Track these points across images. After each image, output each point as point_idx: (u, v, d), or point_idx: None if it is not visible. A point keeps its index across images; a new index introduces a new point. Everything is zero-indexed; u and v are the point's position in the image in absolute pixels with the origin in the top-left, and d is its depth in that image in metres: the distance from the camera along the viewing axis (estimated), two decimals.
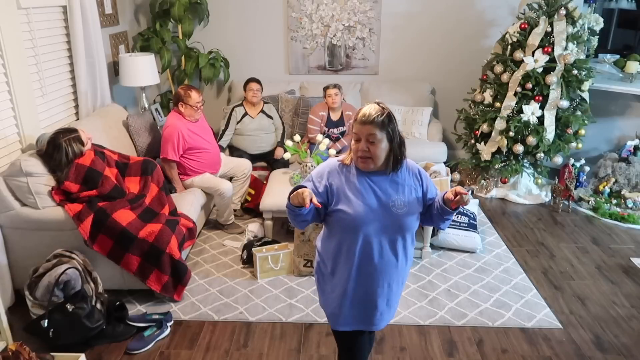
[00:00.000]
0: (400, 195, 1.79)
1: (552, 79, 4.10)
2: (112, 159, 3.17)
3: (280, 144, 4.51)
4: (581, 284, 3.25)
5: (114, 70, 4.42)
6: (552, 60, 4.13)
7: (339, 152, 4.38)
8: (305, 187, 1.71)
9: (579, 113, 4.30)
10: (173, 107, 3.73)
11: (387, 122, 1.71)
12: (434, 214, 1.86)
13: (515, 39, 4.28)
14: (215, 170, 3.88)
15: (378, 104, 1.74)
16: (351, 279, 1.83)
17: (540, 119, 4.22)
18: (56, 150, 2.86)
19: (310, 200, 1.63)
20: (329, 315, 1.96)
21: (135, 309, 2.94)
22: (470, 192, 1.96)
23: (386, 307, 1.91)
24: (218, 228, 3.92)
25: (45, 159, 2.90)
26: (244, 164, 4.07)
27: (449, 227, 3.51)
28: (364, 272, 1.82)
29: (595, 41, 4.51)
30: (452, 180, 4.73)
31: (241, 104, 4.40)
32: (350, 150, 1.80)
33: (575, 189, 4.33)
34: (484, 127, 4.39)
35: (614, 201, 4.29)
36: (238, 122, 4.36)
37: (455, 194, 1.73)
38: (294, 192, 1.68)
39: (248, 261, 3.36)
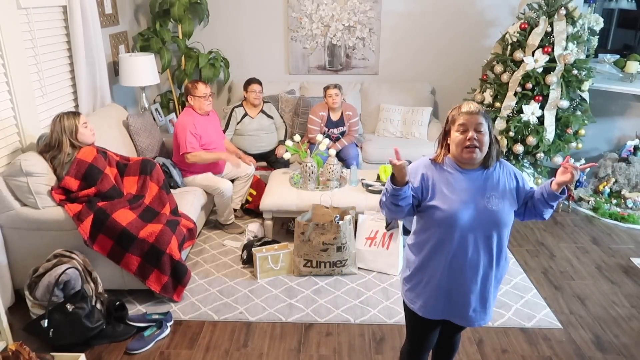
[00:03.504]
0: (494, 191, 1.80)
1: (552, 79, 4.09)
2: (113, 159, 3.18)
3: (283, 142, 4.51)
4: (581, 284, 3.25)
5: (114, 70, 4.42)
6: (552, 60, 4.13)
7: (338, 152, 4.38)
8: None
9: (579, 113, 4.30)
10: (186, 102, 3.82)
11: (487, 116, 1.79)
12: (537, 201, 1.84)
13: (515, 39, 4.28)
14: (218, 171, 3.90)
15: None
16: (444, 273, 1.83)
17: (540, 119, 4.22)
18: (52, 124, 2.93)
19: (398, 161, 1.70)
20: (420, 306, 1.93)
21: (135, 309, 2.94)
22: None
23: (479, 305, 1.87)
24: (218, 228, 3.92)
25: (45, 150, 2.93)
26: (247, 165, 4.09)
27: None
28: (455, 267, 1.82)
29: (595, 41, 4.51)
30: None
31: (241, 105, 4.40)
32: (442, 148, 1.89)
33: (575, 189, 4.33)
34: None
35: (614, 201, 4.29)
36: (238, 123, 4.36)
37: (564, 171, 1.75)
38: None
39: (248, 261, 3.36)
